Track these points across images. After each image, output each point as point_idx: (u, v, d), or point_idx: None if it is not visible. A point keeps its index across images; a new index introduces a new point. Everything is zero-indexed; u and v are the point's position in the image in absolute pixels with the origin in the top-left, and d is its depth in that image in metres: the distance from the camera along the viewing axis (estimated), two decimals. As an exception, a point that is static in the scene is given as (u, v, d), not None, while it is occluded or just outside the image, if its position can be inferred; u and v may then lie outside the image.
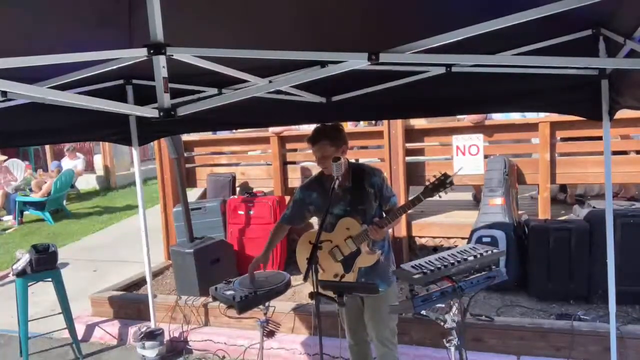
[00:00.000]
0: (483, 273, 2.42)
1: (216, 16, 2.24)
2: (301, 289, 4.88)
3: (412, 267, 2.35)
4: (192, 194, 6.98)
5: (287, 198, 6.23)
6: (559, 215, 5.31)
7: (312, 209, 3.06)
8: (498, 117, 5.56)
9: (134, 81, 3.56)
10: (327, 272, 2.94)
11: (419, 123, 5.83)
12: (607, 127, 2.93)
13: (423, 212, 5.70)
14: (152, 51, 1.74)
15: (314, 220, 3.39)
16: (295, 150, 6.60)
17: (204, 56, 2.13)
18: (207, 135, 7.09)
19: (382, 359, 3.01)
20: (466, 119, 5.47)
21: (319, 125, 2.98)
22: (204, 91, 3.47)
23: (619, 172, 4.87)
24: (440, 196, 2.68)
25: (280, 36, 2.48)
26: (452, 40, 1.78)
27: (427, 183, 2.71)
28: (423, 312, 2.33)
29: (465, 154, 5.36)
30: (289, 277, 3.32)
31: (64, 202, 10.65)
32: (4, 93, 2.72)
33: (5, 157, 11.15)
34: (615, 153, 4.84)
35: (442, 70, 2.98)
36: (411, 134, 5.68)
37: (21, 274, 4.18)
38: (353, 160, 3.70)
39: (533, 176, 5.31)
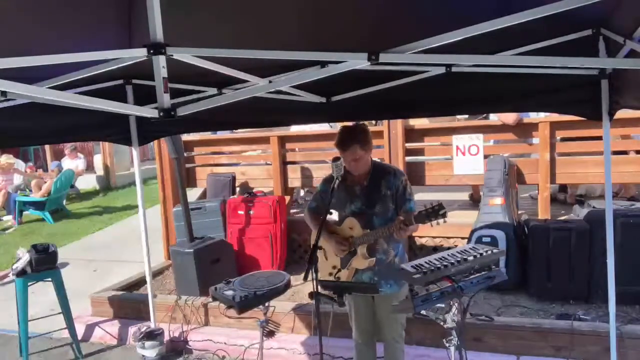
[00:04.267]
0: (483, 273, 2.43)
1: (216, 16, 2.24)
2: (301, 289, 4.88)
3: (412, 267, 2.35)
4: (192, 194, 6.98)
5: (287, 198, 6.23)
6: (559, 215, 5.30)
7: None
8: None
9: (134, 81, 3.56)
10: (329, 261, 2.99)
11: (419, 123, 5.83)
12: (607, 127, 2.93)
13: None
14: (152, 51, 1.74)
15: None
16: (295, 150, 6.60)
17: (204, 56, 2.13)
18: (207, 135, 7.08)
19: (392, 355, 3.02)
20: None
21: (344, 127, 2.92)
22: (204, 91, 3.47)
23: (619, 172, 4.86)
24: (432, 225, 2.59)
25: (281, 36, 2.48)
26: (452, 40, 1.78)
27: (422, 209, 2.62)
28: (423, 312, 2.33)
29: (465, 154, 5.36)
30: (289, 277, 3.32)
31: (64, 202, 10.64)
32: (4, 93, 2.71)
33: (12, 161, 11.08)
34: (615, 153, 4.85)
35: (442, 70, 2.98)
36: (411, 134, 5.68)
37: (21, 273, 4.19)
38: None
39: (533, 176, 5.30)
